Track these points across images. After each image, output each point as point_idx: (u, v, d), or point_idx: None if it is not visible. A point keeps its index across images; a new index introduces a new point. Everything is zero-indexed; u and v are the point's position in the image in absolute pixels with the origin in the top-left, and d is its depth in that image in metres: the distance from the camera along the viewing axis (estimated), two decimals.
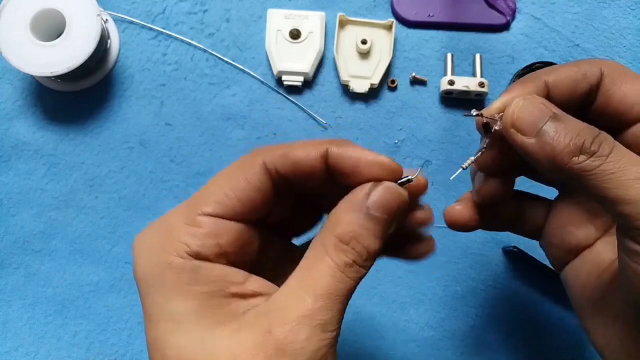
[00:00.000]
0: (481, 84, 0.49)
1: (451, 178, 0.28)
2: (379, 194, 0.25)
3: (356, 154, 0.26)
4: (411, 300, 0.48)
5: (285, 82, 0.50)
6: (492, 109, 0.28)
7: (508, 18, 0.51)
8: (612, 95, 0.27)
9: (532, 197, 0.34)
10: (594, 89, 0.28)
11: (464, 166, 0.29)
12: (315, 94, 0.51)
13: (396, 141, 0.50)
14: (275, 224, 0.30)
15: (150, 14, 0.52)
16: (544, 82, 0.28)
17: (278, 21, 0.51)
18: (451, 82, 0.49)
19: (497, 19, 0.51)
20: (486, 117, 0.28)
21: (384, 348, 0.47)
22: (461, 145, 0.50)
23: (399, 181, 0.26)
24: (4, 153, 0.50)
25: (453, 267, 0.49)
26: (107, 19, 0.51)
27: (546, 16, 0.52)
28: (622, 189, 0.23)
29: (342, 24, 0.51)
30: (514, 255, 0.48)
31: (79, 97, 0.51)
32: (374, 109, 0.51)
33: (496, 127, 0.27)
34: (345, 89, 0.51)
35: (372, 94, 0.51)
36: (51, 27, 0.48)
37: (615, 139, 0.26)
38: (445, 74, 0.50)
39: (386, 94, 0.51)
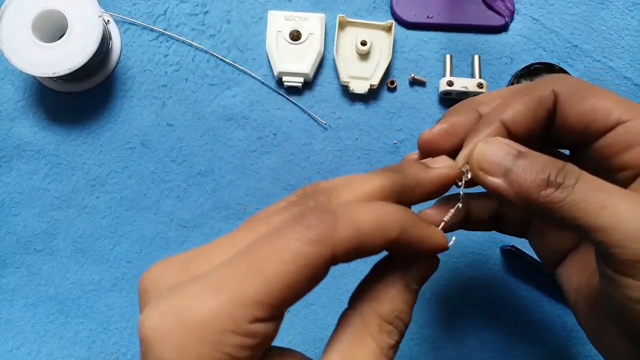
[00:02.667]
0: (480, 85, 0.49)
1: (450, 245, 0.27)
2: (422, 269, 0.25)
3: (423, 238, 0.24)
4: None
5: (285, 83, 0.50)
6: (458, 161, 0.28)
7: (507, 19, 0.51)
8: (569, 116, 0.27)
9: None
10: (552, 112, 0.27)
11: (446, 220, 0.29)
12: (316, 95, 0.51)
13: (395, 142, 0.51)
14: None
15: (151, 15, 0.52)
16: (500, 124, 0.27)
17: (278, 23, 0.51)
18: (450, 83, 0.49)
19: (496, 20, 0.52)
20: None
21: None
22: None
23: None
24: (6, 153, 0.50)
25: (451, 267, 0.49)
26: (108, 20, 0.51)
27: (544, 17, 0.52)
28: (591, 217, 0.22)
29: (342, 25, 0.51)
30: (512, 255, 0.49)
31: (80, 97, 0.51)
32: (373, 110, 0.51)
33: (466, 178, 0.27)
34: (345, 89, 0.51)
35: (372, 95, 0.51)
36: (53, 28, 0.48)
37: (581, 155, 0.26)
38: (444, 75, 0.51)
39: (386, 95, 0.51)
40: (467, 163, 0.27)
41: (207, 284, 0.20)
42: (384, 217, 0.22)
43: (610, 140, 0.26)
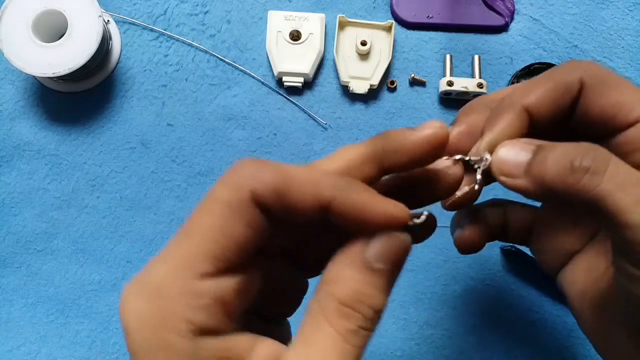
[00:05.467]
0: (480, 85, 0.49)
1: (417, 221, 0.24)
2: (380, 244, 0.22)
3: (362, 204, 0.21)
4: (410, 299, 0.49)
5: (285, 83, 0.50)
6: (480, 149, 0.27)
7: (507, 19, 0.52)
8: (592, 107, 0.26)
9: (515, 203, 0.33)
10: (576, 100, 0.26)
11: (458, 194, 0.27)
12: (316, 95, 0.51)
13: None
14: (283, 252, 0.26)
15: (151, 16, 0.52)
16: (522, 108, 0.26)
17: (278, 23, 0.51)
18: (450, 83, 0.49)
19: (496, 20, 0.52)
20: (473, 160, 0.27)
21: (384, 346, 0.48)
22: None
23: (407, 226, 0.23)
24: (6, 153, 0.50)
25: (452, 267, 0.49)
26: (108, 20, 0.51)
27: (545, 17, 0.52)
28: (624, 213, 0.21)
29: (342, 25, 0.51)
30: (512, 255, 0.49)
31: (80, 97, 0.51)
32: (373, 110, 0.51)
33: (484, 166, 0.26)
34: (345, 89, 0.51)
35: (372, 95, 0.51)
36: (53, 28, 0.48)
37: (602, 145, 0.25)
38: (444, 75, 0.51)
39: (386, 95, 0.51)
40: (488, 151, 0.26)
41: (160, 257, 0.21)
42: (318, 175, 0.21)
43: (630, 137, 0.25)
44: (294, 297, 0.27)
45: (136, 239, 0.50)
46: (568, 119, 0.27)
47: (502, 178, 0.25)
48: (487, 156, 0.26)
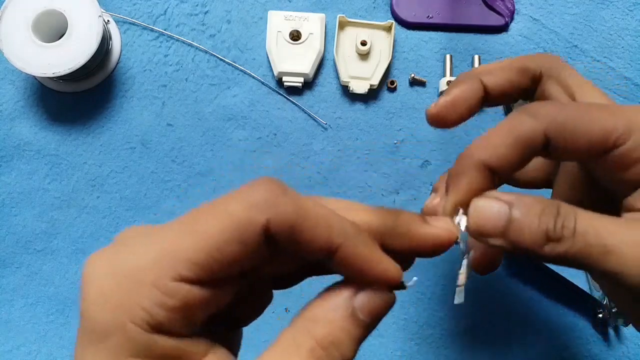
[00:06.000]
0: None
1: (408, 284, 0.24)
2: (370, 297, 0.22)
3: (365, 258, 0.22)
4: (410, 299, 0.49)
5: (285, 83, 0.50)
6: (446, 210, 0.26)
7: (507, 19, 0.52)
8: (566, 146, 0.25)
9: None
10: (542, 147, 0.26)
11: (459, 284, 0.27)
12: (316, 95, 0.51)
13: (395, 141, 0.51)
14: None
15: (151, 16, 0.52)
16: (482, 166, 0.25)
17: (278, 23, 0.51)
18: (450, 83, 0.49)
19: (496, 20, 0.52)
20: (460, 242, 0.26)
21: (384, 346, 0.48)
22: (460, 146, 0.51)
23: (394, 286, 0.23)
24: (6, 153, 0.50)
25: (452, 267, 0.49)
26: (108, 20, 0.51)
27: (544, 17, 0.52)
28: (599, 264, 0.22)
29: (342, 25, 0.51)
30: (512, 255, 0.49)
31: (80, 97, 0.51)
32: (373, 110, 0.51)
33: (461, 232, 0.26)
34: (345, 89, 0.51)
35: (372, 95, 0.51)
36: (53, 28, 0.48)
37: (590, 165, 0.26)
38: (444, 75, 0.51)
39: (386, 95, 0.51)
40: (462, 210, 0.26)
41: (146, 239, 0.21)
42: (333, 219, 0.21)
43: (620, 154, 0.25)
44: (257, 308, 0.27)
45: None
46: (547, 155, 0.26)
47: (482, 239, 0.25)
48: (462, 221, 0.26)
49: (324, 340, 0.21)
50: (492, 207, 0.24)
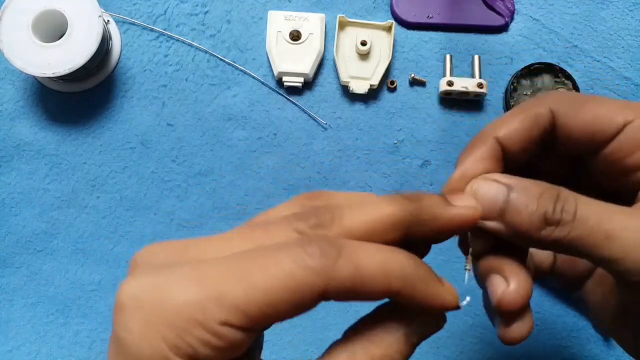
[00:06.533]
0: (480, 85, 0.49)
1: (462, 304, 0.25)
2: (427, 325, 0.23)
3: (426, 295, 0.22)
4: None
5: (285, 83, 0.50)
6: (452, 183, 0.27)
7: (507, 19, 0.52)
8: (572, 129, 0.26)
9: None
10: (549, 130, 0.27)
11: (467, 268, 0.28)
12: (316, 95, 0.51)
13: (395, 141, 0.51)
14: None
15: (151, 16, 0.52)
16: (494, 141, 0.26)
17: (278, 23, 0.51)
18: (450, 83, 0.49)
19: (496, 20, 0.52)
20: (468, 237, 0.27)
21: None
22: (460, 146, 0.51)
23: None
24: (6, 153, 0.50)
25: (452, 267, 0.49)
26: (108, 20, 0.51)
27: (545, 17, 0.52)
28: (598, 250, 0.22)
29: (342, 25, 0.51)
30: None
31: (80, 97, 0.51)
32: (373, 110, 0.51)
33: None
34: (345, 89, 0.51)
35: (372, 95, 0.51)
36: (53, 28, 0.48)
37: (592, 162, 0.26)
38: (444, 75, 0.51)
39: (386, 95, 0.51)
40: (459, 186, 0.26)
41: (193, 273, 0.20)
42: (389, 265, 0.21)
43: (620, 143, 0.25)
44: None
45: (136, 239, 0.50)
46: (550, 148, 0.27)
47: (480, 222, 0.25)
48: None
49: (380, 359, 0.22)
50: (491, 188, 0.24)
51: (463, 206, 0.24)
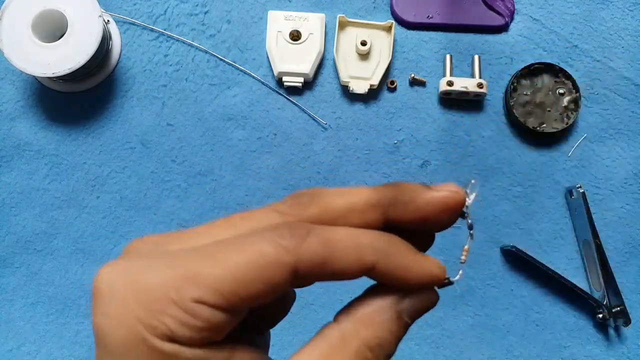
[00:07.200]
0: (480, 85, 0.49)
1: (454, 279, 0.24)
2: (416, 301, 0.23)
3: (405, 266, 0.22)
4: None
5: (285, 83, 0.50)
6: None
7: (507, 19, 0.52)
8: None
9: None
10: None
11: (463, 259, 0.28)
12: (316, 95, 0.51)
13: (395, 141, 0.51)
14: None
15: (151, 16, 0.52)
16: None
17: (278, 23, 0.51)
18: (450, 83, 0.49)
19: (496, 20, 0.52)
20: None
21: None
22: (460, 146, 0.51)
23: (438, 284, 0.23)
24: (6, 153, 0.50)
25: (452, 267, 0.49)
26: (108, 20, 0.51)
27: (545, 17, 0.52)
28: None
29: (342, 25, 0.51)
30: (512, 255, 0.49)
31: (80, 97, 0.51)
32: (373, 110, 0.51)
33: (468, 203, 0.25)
34: (345, 89, 0.51)
35: (372, 95, 0.51)
36: (53, 28, 0.48)
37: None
38: (444, 75, 0.51)
39: (386, 95, 0.51)
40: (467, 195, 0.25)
41: (168, 259, 0.21)
42: (360, 239, 0.21)
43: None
44: (282, 310, 0.27)
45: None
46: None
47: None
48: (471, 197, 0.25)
49: (371, 341, 0.22)
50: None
51: (443, 190, 0.23)
